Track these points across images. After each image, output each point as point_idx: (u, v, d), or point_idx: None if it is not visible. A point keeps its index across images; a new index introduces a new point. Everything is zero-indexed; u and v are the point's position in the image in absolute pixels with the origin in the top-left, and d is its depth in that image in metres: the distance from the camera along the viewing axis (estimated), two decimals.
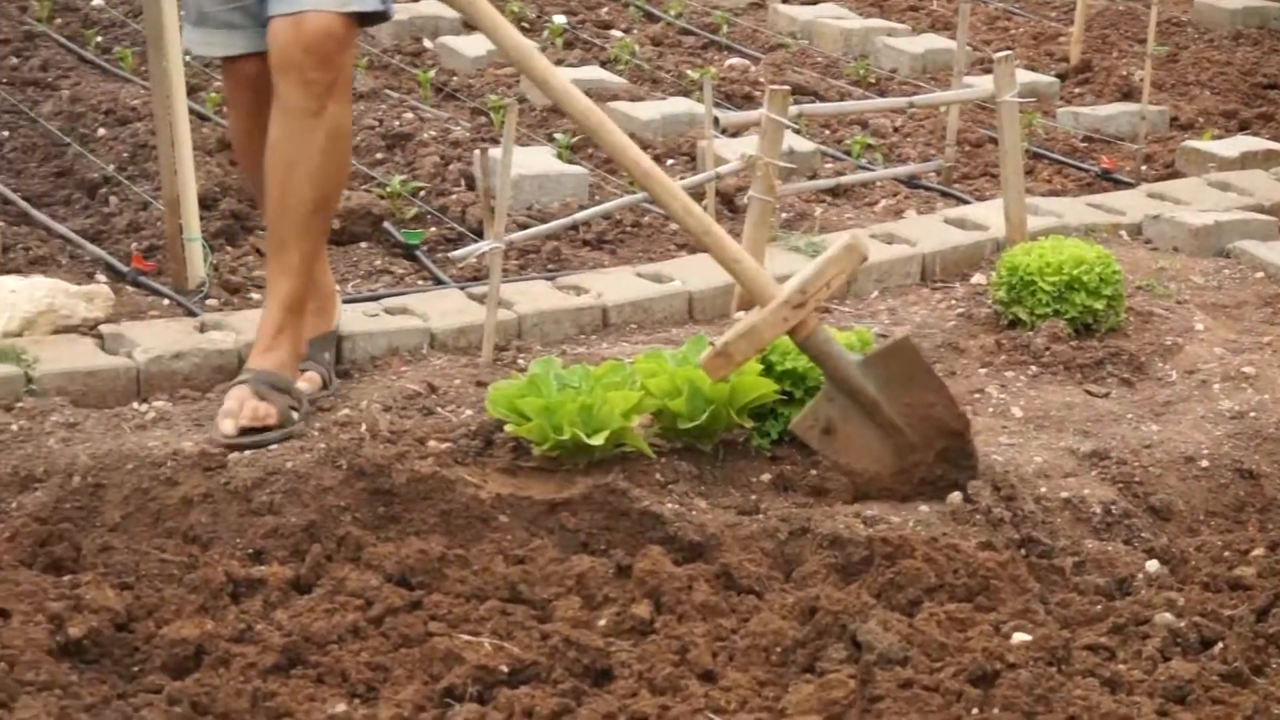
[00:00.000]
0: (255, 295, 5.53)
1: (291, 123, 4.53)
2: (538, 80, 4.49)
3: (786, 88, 5.47)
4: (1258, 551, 4.25)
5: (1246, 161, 6.92)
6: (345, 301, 5.30)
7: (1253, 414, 4.88)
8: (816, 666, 3.65)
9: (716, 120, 5.71)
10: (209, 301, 5.44)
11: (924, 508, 4.36)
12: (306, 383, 4.80)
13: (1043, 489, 4.49)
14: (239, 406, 4.49)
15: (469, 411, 4.71)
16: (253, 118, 4.73)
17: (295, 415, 4.56)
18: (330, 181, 4.62)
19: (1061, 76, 8.10)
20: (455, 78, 7.79)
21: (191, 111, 6.27)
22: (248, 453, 4.36)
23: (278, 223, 4.65)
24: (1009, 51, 5.88)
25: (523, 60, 4.44)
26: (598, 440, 4.35)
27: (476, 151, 6.10)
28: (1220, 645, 3.78)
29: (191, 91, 6.82)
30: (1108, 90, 7.92)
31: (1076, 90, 8.00)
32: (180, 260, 5.51)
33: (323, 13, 4.45)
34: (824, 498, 4.43)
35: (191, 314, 5.29)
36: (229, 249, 5.87)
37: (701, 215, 4.47)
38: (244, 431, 4.45)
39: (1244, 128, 7.47)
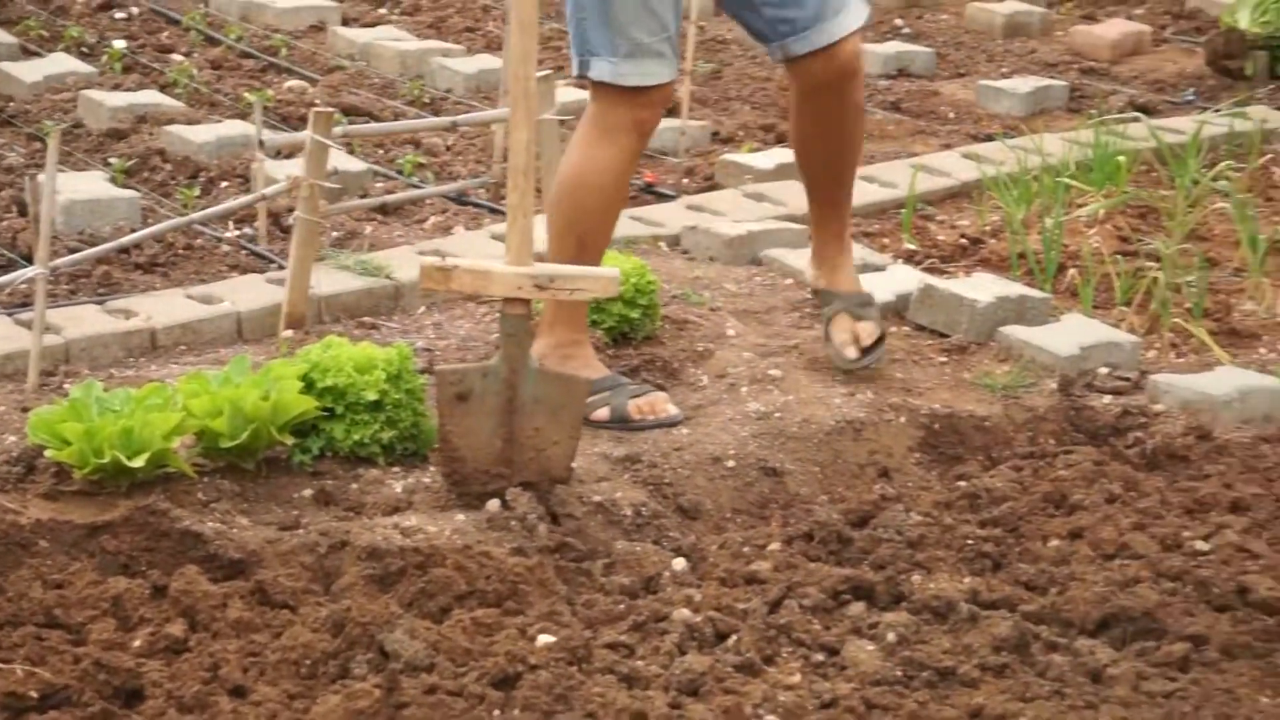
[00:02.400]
0: None
1: (856, 115, 5.22)
2: None
3: (330, 110, 5.47)
4: (774, 546, 4.36)
5: (782, 173, 7.05)
6: None
7: (778, 414, 4.99)
8: (346, 677, 3.66)
9: (262, 142, 5.69)
10: None
11: (460, 516, 4.39)
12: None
13: (578, 494, 4.54)
14: (850, 334, 5.20)
15: (12, 438, 4.62)
16: (644, 144, 5.14)
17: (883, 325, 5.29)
18: (860, 146, 5.40)
19: None
20: (12, 103, 7.62)
21: None
22: None
23: (841, 189, 5.34)
24: (549, 71, 5.92)
25: None
26: (139, 462, 4.31)
27: (28, 177, 5.97)
28: (734, 638, 3.86)
29: None
30: None
31: None
32: None
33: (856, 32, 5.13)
34: (364, 510, 4.43)
35: None
36: None
37: (530, 159, 4.53)
38: (864, 351, 5.19)
39: (780, 140, 7.62)
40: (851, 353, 5.22)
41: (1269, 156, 7.35)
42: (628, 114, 4.97)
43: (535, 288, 4.50)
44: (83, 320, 5.37)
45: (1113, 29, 9.41)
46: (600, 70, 4.92)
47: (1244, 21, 8.73)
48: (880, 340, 5.25)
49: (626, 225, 6.41)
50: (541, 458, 4.50)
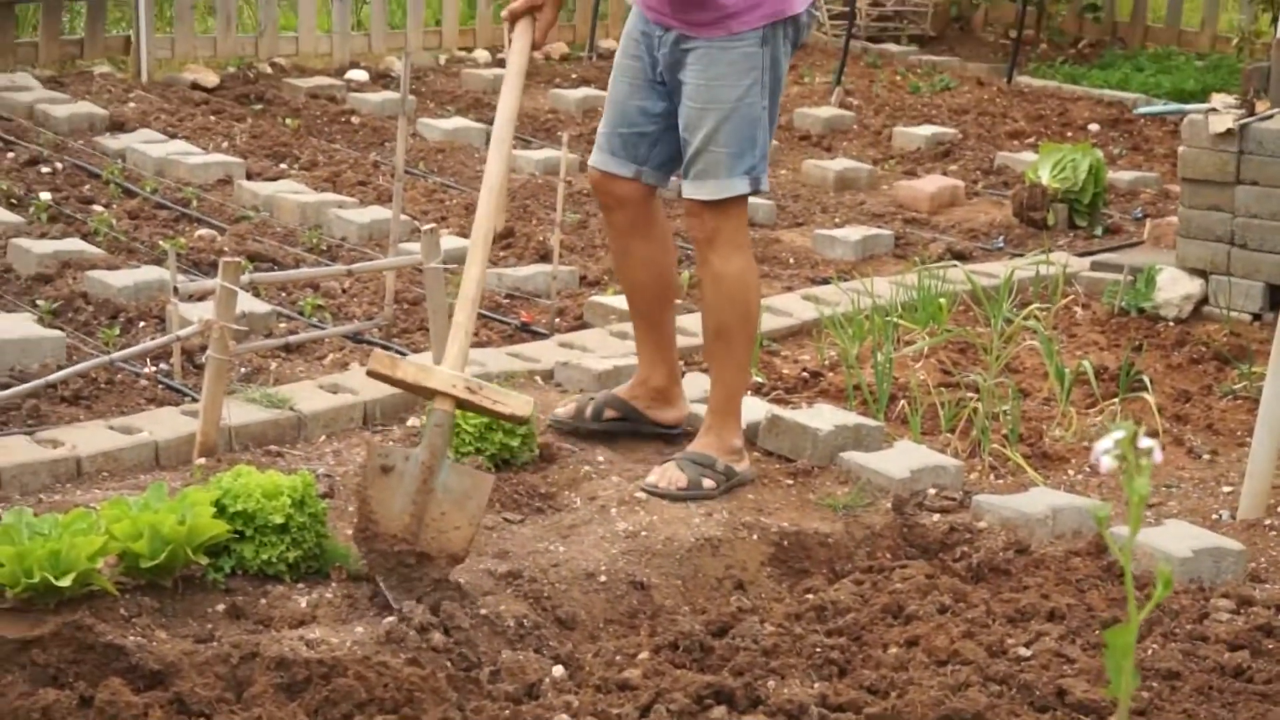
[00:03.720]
0: None
1: (714, 281, 5.32)
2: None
3: (238, 260, 5.42)
4: (644, 655, 4.32)
5: None
6: None
7: (644, 533, 4.97)
8: None
9: (177, 288, 5.65)
10: None
11: (360, 629, 4.33)
12: (563, 408, 5.70)
13: (467, 607, 4.49)
14: (661, 474, 5.22)
15: None
16: (612, 222, 5.56)
17: (706, 483, 5.20)
18: (726, 315, 5.31)
19: None
20: None
21: None
22: None
23: (705, 346, 5.52)
24: (433, 225, 5.90)
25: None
26: (66, 582, 4.21)
27: None
28: None
29: None
30: (528, 253, 8.02)
31: (501, 253, 8.08)
32: None
33: (702, 204, 5.28)
34: (273, 624, 4.37)
35: None
36: None
37: (480, 290, 4.82)
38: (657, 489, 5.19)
39: None
40: (652, 478, 5.23)
41: (1070, 297, 7.44)
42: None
43: (466, 389, 4.64)
44: (14, 450, 5.27)
45: (931, 183, 9.51)
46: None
47: (1045, 178, 8.85)
48: (689, 488, 5.19)
49: (504, 361, 6.40)
50: (443, 538, 4.51)
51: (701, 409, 5.55)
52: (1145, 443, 2.03)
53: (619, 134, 5.41)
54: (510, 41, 5.18)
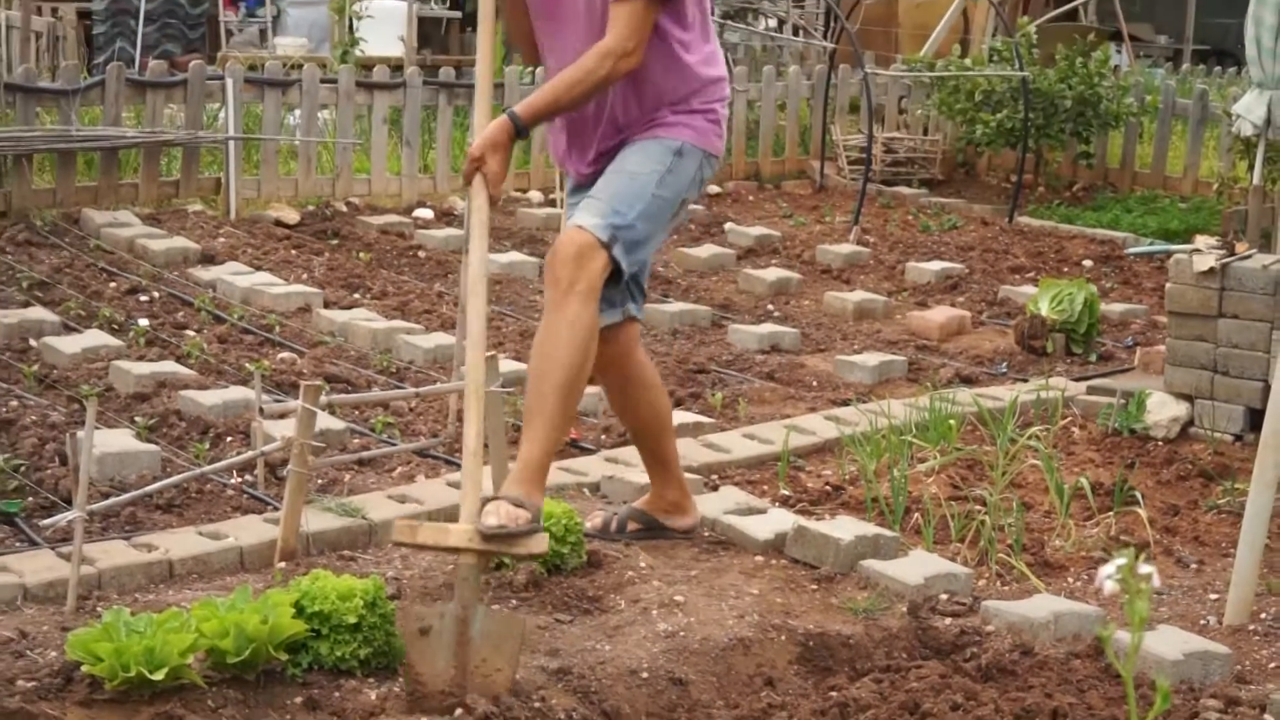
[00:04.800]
0: None
1: (545, 317, 4.95)
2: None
3: (318, 382, 5.45)
4: None
5: (682, 431, 7.04)
6: None
7: (682, 633, 4.95)
8: None
9: (262, 409, 5.67)
10: None
11: None
12: (590, 522, 5.56)
13: (522, 700, 4.47)
14: (497, 510, 4.62)
15: (54, 654, 4.51)
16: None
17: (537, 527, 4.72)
18: (574, 365, 4.89)
19: None
20: (55, 370, 7.55)
21: None
22: None
23: (528, 396, 4.94)
24: (493, 352, 5.92)
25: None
26: (159, 675, 4.22)
27: (69, 434, 5.90)
28: None
29: None
30: None
31: None
32: None
33: (571, 229, 4.97)
34: (345, 716, 4.35)
35: None
36: None
37: (479, 444, 4.64)
38: (501, 528, 4.58)
39: (679, 404, 7.63)
40: (492, 520, 4.70)
41: (1068, 419, 7.42)
42: None
43: (484, 540, 4.54)
44: (112, 553, 5.29)
45: (940, 314, 9.52)
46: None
47: (1045, 309, 8.86)
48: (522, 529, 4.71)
49: (555, 475, 6.36)
50: (486, 682, 4.46)
51: (734, 519, 5.55)
52: (1144, 569, 2.02)
53: None
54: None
